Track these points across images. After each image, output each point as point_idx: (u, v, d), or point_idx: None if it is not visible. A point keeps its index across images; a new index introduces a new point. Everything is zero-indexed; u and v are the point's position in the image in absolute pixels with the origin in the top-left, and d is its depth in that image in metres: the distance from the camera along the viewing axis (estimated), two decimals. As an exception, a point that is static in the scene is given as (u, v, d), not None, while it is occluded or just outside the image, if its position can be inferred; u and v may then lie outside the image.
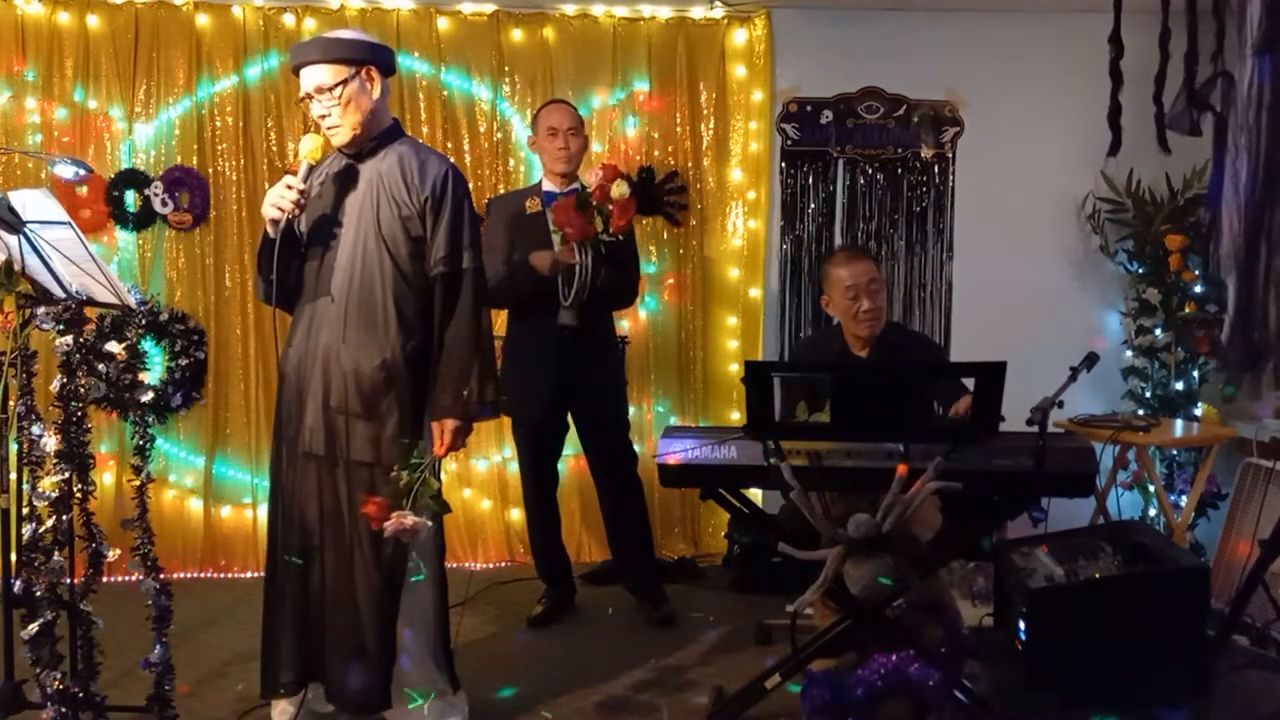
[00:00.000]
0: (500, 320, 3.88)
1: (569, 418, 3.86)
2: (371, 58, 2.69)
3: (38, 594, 2.42)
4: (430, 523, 2.53)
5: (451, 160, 2.87)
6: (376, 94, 2.71)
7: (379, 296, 2.68)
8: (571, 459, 4.36)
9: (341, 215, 2.74)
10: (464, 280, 2.71)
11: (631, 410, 4.22)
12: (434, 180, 2.71)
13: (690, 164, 4.57)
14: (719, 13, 4.53)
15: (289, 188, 2.63)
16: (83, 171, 3.08)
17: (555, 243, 3.63)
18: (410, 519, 2.47)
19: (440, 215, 2.70)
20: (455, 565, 4.22)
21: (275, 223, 2.65)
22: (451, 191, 2.72)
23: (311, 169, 2.71)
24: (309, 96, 2.68)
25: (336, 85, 2.64)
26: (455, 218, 2.71)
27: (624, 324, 4.43)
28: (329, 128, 2.70)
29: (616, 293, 3.76)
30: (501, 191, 4.49)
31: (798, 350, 4.40)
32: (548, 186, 3.77)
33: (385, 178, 2.71)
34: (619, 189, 3.52)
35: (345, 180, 2.76)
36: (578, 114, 3.84)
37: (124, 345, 2.62)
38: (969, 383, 2.89)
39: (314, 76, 2.66)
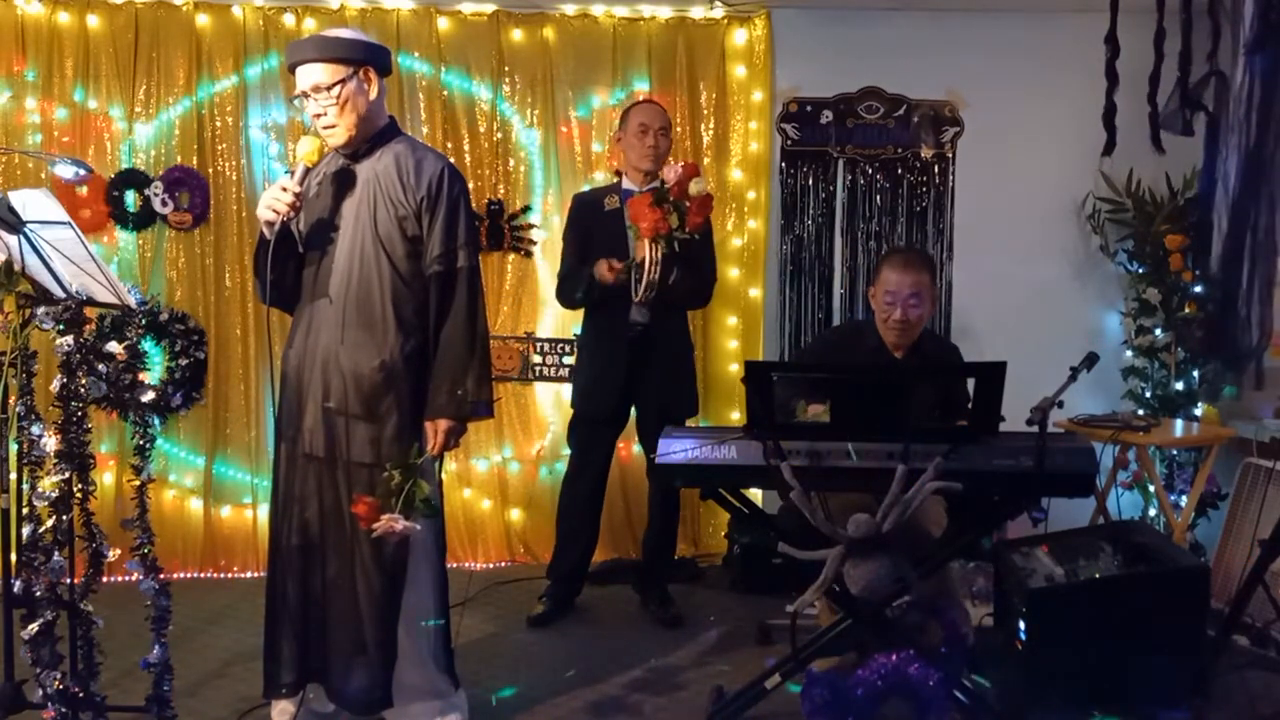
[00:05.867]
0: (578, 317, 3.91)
1: (631, 413, 3.87)
2: (369, 58, 2.68)
3: (38, 594, 2.42)
4: (419, 526, 2.51)
5: (449, 158, 2.86)
6: (374, 94, 2.69)
7: (377, 298, 2.68)
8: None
9: (339, 217, 2.73)
10: (459, 279, 2.70)
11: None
12: (430, 179, 2.70)
13: (690, 164, 4.57)
14: (719, 13, 4.53)
15: (284, 189, 2.61)
16: (83, 171, 3.08)
17: (630, 239, 3.64)
18: (401, 523, 2.45)
19: (436, 214, 2.69)
20: (455, 565, 4.21)
21: (271, 225, 2.64)
22: (447, 190, 2.70)
23: (308, 171, 2.68)
24: (304, 95, 2.66)
25: (334, 85, 2.62)
26: (450, 216, 2.70)
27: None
28: (325, 127, 2.68)
29: (689, 292, 3.78)
30: (501, 192, 4.50)
31: (825, 337, 4.33)
32: (628, 184, 3.80)
33: (381, 178, 2.71)
34: (696, 186, 3.54)
35: (342, 181, 2.75)
36: (667, 115, 3.88)
37: (124, 345, 2.61)
38: (969, 383, 2.88)
39: (311, 75, 2.64)
